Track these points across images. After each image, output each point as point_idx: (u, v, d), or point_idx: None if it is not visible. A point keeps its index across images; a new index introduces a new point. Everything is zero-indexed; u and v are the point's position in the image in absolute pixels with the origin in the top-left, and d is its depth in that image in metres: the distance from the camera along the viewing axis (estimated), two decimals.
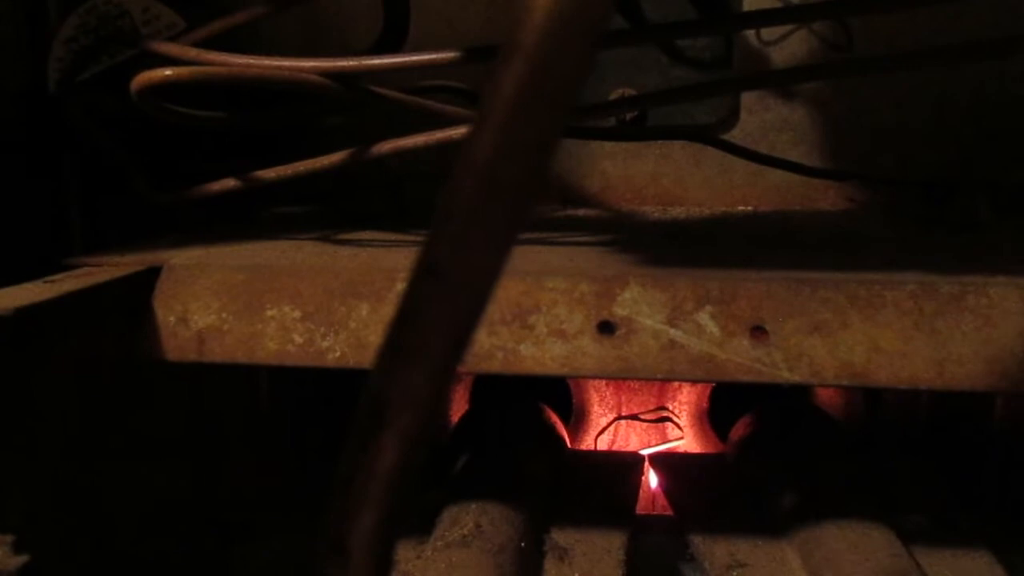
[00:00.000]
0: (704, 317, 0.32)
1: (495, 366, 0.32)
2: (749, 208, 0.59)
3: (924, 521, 0.47)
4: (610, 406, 0.62)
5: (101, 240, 0.46)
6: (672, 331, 0.32)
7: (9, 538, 0.28)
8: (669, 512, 0.50)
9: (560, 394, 0.62)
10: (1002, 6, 0.55)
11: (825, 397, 0.59)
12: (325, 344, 0.33)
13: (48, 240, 0.46)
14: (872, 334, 0.31)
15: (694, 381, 0.52)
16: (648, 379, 0.35)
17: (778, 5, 0.56)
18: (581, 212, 0.58)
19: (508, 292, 0.33)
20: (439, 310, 0.15)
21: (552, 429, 0.55)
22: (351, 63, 0.34)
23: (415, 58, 0.34)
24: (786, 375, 0.31)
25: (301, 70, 0.33)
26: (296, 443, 0.55)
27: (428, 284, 0.14)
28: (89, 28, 0.51)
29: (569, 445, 0.57)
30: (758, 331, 0.32)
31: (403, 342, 0.15)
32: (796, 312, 0.32)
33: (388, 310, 0.33)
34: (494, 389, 0.62)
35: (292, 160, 0.41)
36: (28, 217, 0.45)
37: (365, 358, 0.33)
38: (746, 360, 0.31)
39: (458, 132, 0.35)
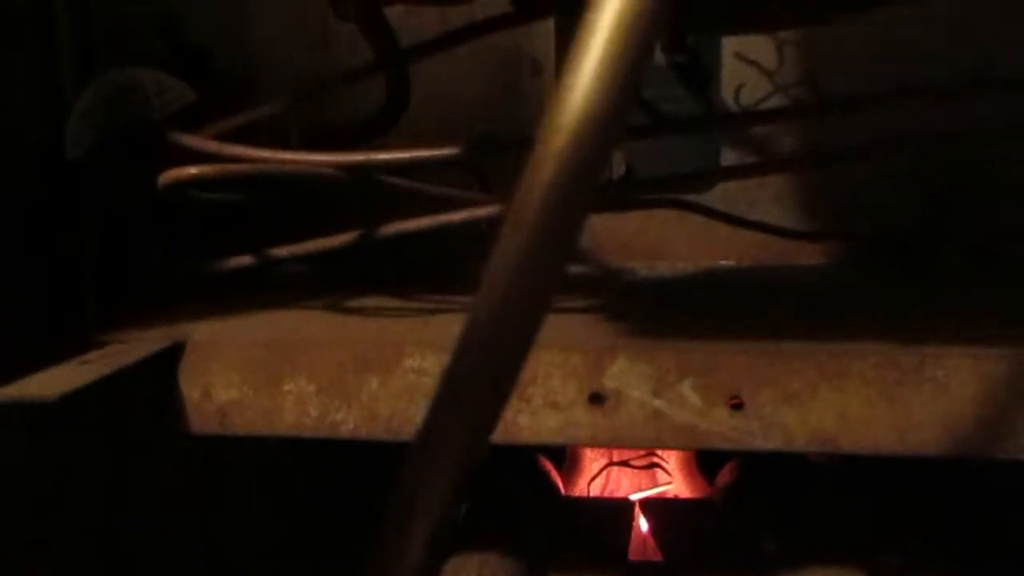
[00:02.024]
0: (686, 388, 0.35)
1: (496, 437, 0.35)
2: (731, 262, 0.62)
3: (900, 561, 0.50)
4: (602, 452, 0.65)
5: (113, 304, 0.48)
6: (657, 402, 0.35)
7: None
8: (659, 556, 0.53)
9: None
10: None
11: None
12: (339, 417, 0.36)
13: (63, 304, 0.48)
14: (839, 403, 0.34)
15: (678, 448, 0.55)
16: (636, 447, 0.38)
17: (753, 75, 0.59)
18: (572, 268, 0.61)
19: None
20: (482, 373, 0.17)
21: (547, 477, 0.57)
22: (362, 157, 0.37)
23: (422, 154, 0.37)
24: (761, 443, 0.34)
25: (316, 163, 0.36)
26: (312, 520, 0.57)
27: (473, 353, 0.17)
28: (103, 100, 0.53)
29: (563, 491, 0.59)
30: (735, 401, 0.35)
31: (447, 406, 0.18)
32: (770, 383, 0.35)
33: (396, 382, 0.36)
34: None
35: (302, 229, 0.44)
36: (43, 281, 0.47)
37: (376, 430, 0.35)
38: (724, 429, 0.34)
39: (459, 216, 0.39)
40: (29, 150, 0.49)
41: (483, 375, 0.17)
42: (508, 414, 0.35)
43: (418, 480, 0.19)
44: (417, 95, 0.48)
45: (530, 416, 0.35)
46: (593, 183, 0.16)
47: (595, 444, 0.35)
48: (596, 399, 0.35)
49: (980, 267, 0.56)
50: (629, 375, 0.35)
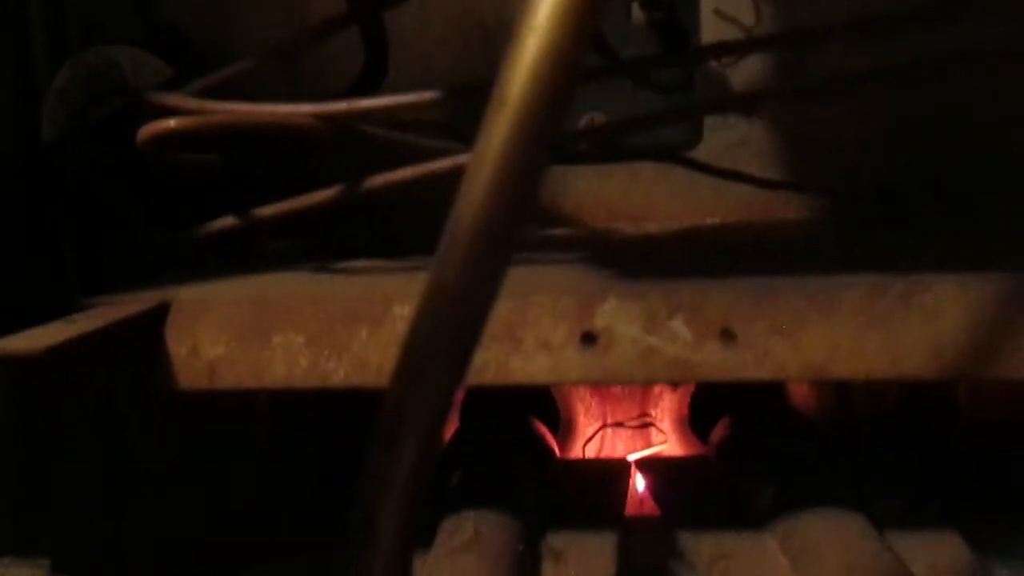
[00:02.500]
0: (677, 324, 0.35)
1: (488, 378, 0.35)
2: (716, 220, 0.62)
3: (895, 507, 0.50)
4: (595, 416, 0.65)
5: (97, 284, 0.48)
6: (649, 338, 0.35)
7: (46, 561, 0.30)
8: (656, 513, 0.53)
9: (547, 407, 0.65)
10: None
11: (798, 398, 0.63)
12: (330, 366, 0.35)
13: (45, 286, 0.48)
14: (829, 332, 0.34)
15: (671, 383, 0.55)
16: (628, 383, 0.38)
17: (731, 32, 0.59)
18: (558, 231, 0.61)
19: (497, 310, 0.35)
20: (448, 324, 0.17)
21: (541, 440, 0.57)
22: (343, 106, 0.36)
23: (402, 99, 0.37)
24: (754, 373, 0.34)
25: (296, 115, 0.36)
26: (295, 476, 0.57)
27: (437, 303, 0.17)
28: (80, 80, 0.53)
29: (558, 455, 0.59)
30: (727, 334, 0.35)
31: (416, 354, 0.18)
32: (761, 315, 0.35)
33: (386, 332, 0.36)
34: (483, 406, 0.64)
35: (283, 198, 0.44)
36: (23, 264, 0.46)
37: (367, 378, 0.35)
38: (717, 361, 0.34)
39: (443, 165, 0.38)
40: (4, 130, 0.48)
41: (451, 321, 0.18)
42: (499, 356, 0.35)
43: (396, 421, 0.19)
44: (392, 67, 0.48)
45: (522, 358, 0.35)
46: (553, 127, 0.17)
47: (587, 382, 0.35)
48: (588, 339, 0.35)
49: (962, 218, 0.57)
50: (619, 314, 0.35)
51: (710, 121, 0.62)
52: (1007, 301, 0.34)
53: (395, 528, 0.19)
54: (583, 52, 0.16)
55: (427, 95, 0.37)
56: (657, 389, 0.65)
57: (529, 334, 0.35)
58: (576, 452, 0.64)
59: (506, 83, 0.17)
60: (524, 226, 0.17)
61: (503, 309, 0.35)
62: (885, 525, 0.46)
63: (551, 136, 0.17)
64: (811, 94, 0.50)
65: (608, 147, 0.52)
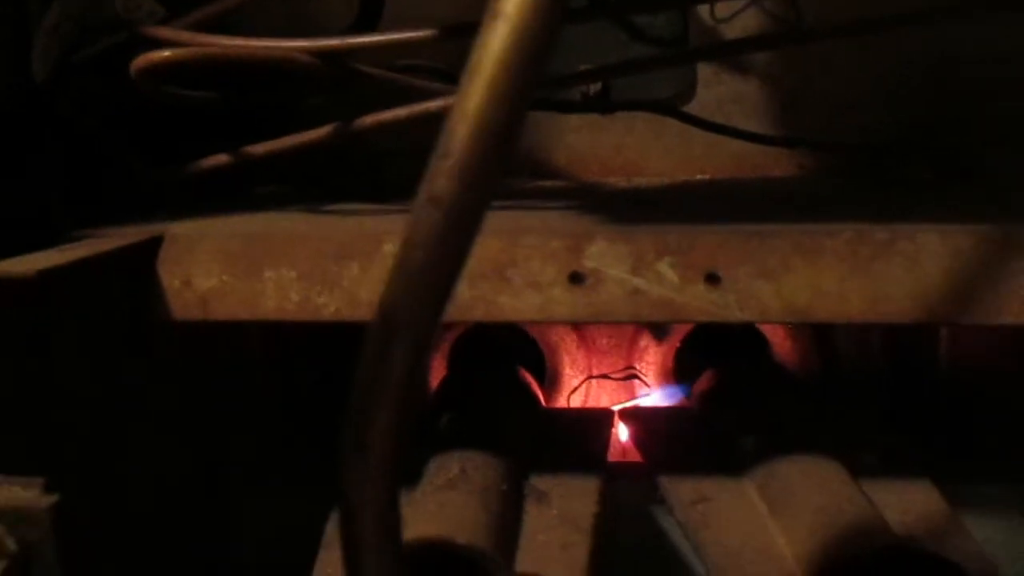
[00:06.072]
0: (664, 266, 0.35)
1: (477, 315, 0.35)
2: (707, 177, 0.63)
3: (873, 458, 0.51)
4: (581, 368, 0.66)
5: (90, 220, 0.48)
6: (635, 280, 0.35)
7: (40, 480, 0.31)
8: (639, 461, 0.54)
9: (533, 358, 0.66)
10: None
11: (782, 351, 0.64)
12: (321, 301, 0.36)
13: (38, 222, 0.48)
14: (813, 277, 0.35)
15: (656, 323, 0.56)
16: (615, 322, 0.38)
17: None
18: (549, 183, 0.61)
19: (486, 249, 0.36)
20: (439, 233, 0.18)
21: (527, 388, 0.58)
22: (336, 42, 0.37)
23: (397, 36, 0.37)
24: (738, 315, 0.35)
25: (290, 50, 0.36)
26: (289, 413, 0.58)
27: (430, 211, 0.18)
28: (72, 16, 0.52)
29: (544, 405, 0.60)
30: (712, 277, 0.35)
31: (409, 263, 0.18)
32: (746, 259, 0.35)
33: (377, 269, 0.36)
34: (472, 354, 0.65)
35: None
36: (16, 200, 0.46)
37: (358, 313, 0.36)
38: (702, 303, 0.35)
39: (436, 105, 0.38)
40: None
41: (444, 230, 0.18)
42: (488, 294, 0.35)
43: (389, 326, 0.19)
44: (389, 10, 0.48)
45: (511, 296, 0.35)
46: (537, 68, 0.17)
47: (575, 320, 0.35)
48: (576, 279, 0.36)
49: (952, 175, 0.57)
50: (608, 256, 0.36)
51: (703, 77, 0.62)
52: (988, 250, 0.35)
53: (385, 442, 0.20)
54: None
55: (421, 33, 0.37)
56: (643, 343, 0.66)
57: (518, 274, 0.36)
58: (561, 404, 0.65)
59: (493, 15, 0.17)
60: (517, 139, 0.18)
61: (493, 249, 0.36)
62: (862, 474, 0.47)
63: (545, 50, 0.17)
64: (800, 38, 0.50)
65: (603, 98, 0.52)
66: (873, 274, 0.35)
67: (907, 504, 0.45)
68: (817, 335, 0.63)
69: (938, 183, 0.54)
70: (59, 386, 0.32)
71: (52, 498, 0.31)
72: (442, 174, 0.17)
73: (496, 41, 0.16)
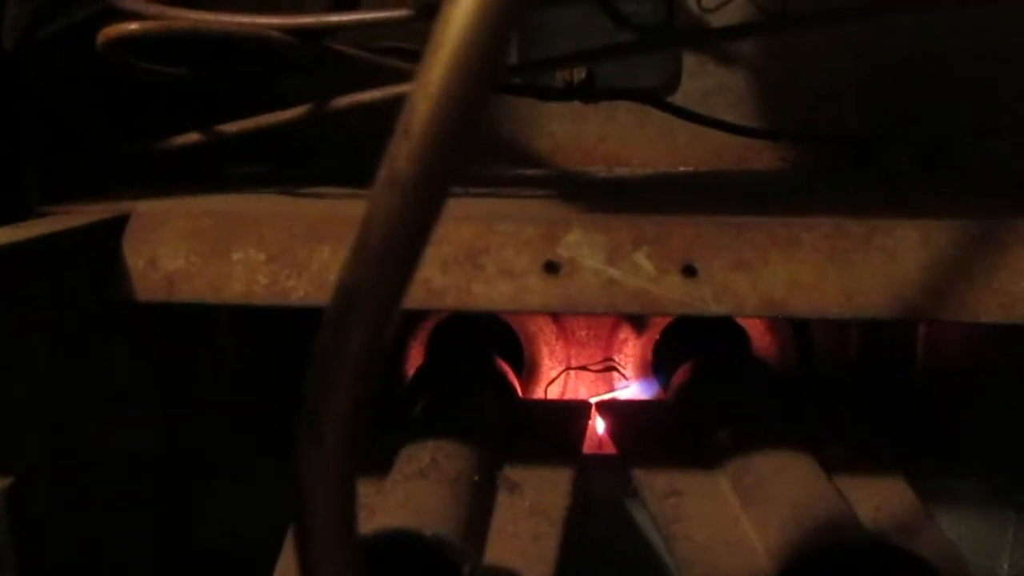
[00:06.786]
0: (640, 257, 0.35)
1: (448, 302, 0.35)
2: (690, 168, 0.62)
3: (846, 452, 0.51)
4: (559, 359, 0.65)
5: (58, 195, 0.47)
6: (611, 270, 0.35)
7: None
8: (615, 453, 0.54)
9: (512, 348, 0.65)
10: None
11: (761, 347, 0.63)
12: (289, 284, 0.35)
13: (4, 196, 0.47)
14: (790, 270, 0.34)
15: (631, 314, 0.55)
16: (589, 313, 0.38)
17: None
18: (530, 171, 0.61)
19: (460, 235, 0.35)
20: (399, 213, 0.17)
21: (504, 378, 0.58)
22: (310, 20, 0.36)
23: (373, 15, 0.36)
24: (713, 308, 0.34)
25: (263, 26, 0.35)
26: (260, 393, 0.57)
27: (389, 191, 0.17)
28: None
29: (521, 396, 0.60)
30: (689, 269, 0.35)
31: (368, 244, 0.18)
32: (723, 251, 0.35)
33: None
34: (449, 343, 0.64)
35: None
36: None
37: (327, 297, 0.35)
38: (677, 295, 0.34)
39: (410, 87, 0.38)
40: None
41: (403, 208, 0.17)
42: (461, 281, 0.35)
43: (337, 335, 0.19)
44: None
45: (484, 284, 0.35)
46: (503, 43, 0.16)
47: (548, 310, 0.35)
48: (550, 268, 0.35)
49: (933, 167, 0.57)
50: (583, 245, 0.35)
51: (688, 68, 0.61)
52: (966, 246, 0.34)
53: (340, 425, 0.19)
54: None
55: (397, 13, 0.36)
56: (622, 335, 0.65)
57: (491, 261, 0.35)
58: (539, 395, 0.65)
59: None
60: (481, 116, 0.17)
61: (466, 234, 0.35)
62: (835, 469, 0.47)
63: (509, 23, 0.16)
64: (784, 25, 0.49)
65: (587, 86, 0.52)
66: (851, 268, 0.34)
67: (878, 499, 0.45)
68: (795, 330, 0.62)
69: (919, 175, 0.54)
70: (16, 367, 0.31)
71: (6, 481, 0.30)
72: (402, 152, 0.17)
73: (459, 14, 0.16)
